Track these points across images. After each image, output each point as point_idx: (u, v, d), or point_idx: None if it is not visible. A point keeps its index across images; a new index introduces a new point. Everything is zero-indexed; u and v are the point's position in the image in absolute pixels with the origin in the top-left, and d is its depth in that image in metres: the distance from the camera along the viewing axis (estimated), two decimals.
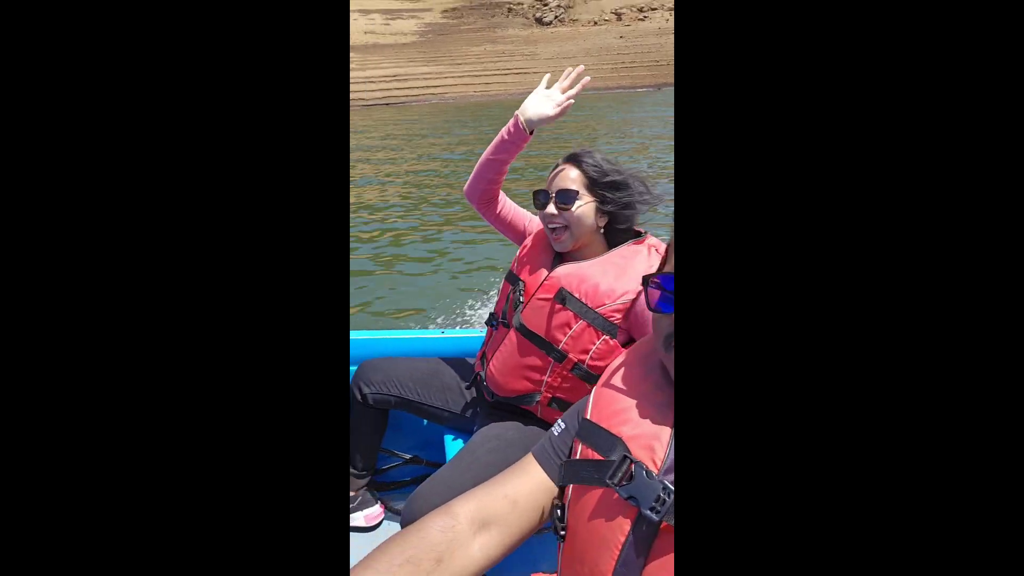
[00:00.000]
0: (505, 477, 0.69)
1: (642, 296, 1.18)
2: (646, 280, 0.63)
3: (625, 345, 1.25)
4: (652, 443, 0.59)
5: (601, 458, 0.61)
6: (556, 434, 0.72)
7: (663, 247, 1.29)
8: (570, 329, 1.24)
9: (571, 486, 0.65)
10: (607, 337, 1.22)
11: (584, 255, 1.31)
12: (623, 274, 1.24)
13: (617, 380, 0.69)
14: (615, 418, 0.64)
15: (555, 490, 0.68)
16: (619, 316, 1.21)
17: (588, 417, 0.68)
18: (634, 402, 0.65)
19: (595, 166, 1.29)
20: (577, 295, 1.23)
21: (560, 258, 1.34)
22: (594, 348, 1.23)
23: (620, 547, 0.57)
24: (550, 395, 1.30)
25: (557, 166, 1.33)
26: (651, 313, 1.02)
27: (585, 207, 1.27)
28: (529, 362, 1.29)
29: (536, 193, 1.31)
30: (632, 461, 0.58)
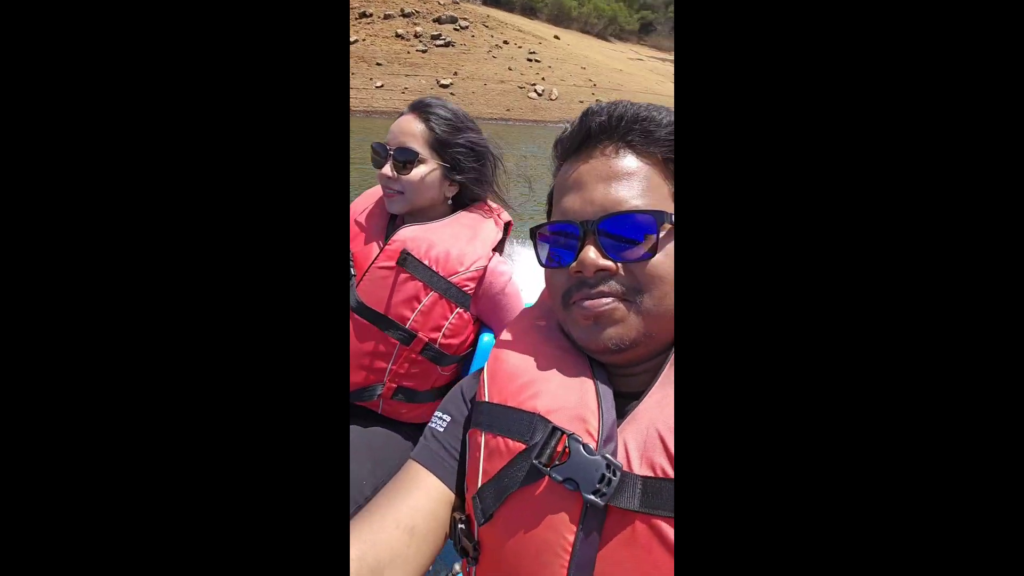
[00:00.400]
0: (391, 499, 0.56)
1: (491, 271, 1.09)
2: (534, 232, 0.58)
3: (476, 320, 1.14)
4: (581, 413, 0.51)
5: (521, 446, 0.51)
6: (441, 429, 0.62)
7: (505, 213, 1.20)
8: (419, 303, 1.06)
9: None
10: (461, 310, 1.08)
11: (426, 216, 1.14)
12: (474, 239, 1.10)
13: (513, 351, 0.60)
14: (524, 393, 0.55)
15: (453, 498, 0.58)
16: (472, 286, 1.08)
17: (487, 399, 0.57)
18: (543, 372, 0.56)
19: (446, 122, 1.10)
20: (426, 261, 1.05)
21: (395, 221, 1.15)
22: (447, 324, 1.08)
23: (570, 550, 0.46)
24: (395, 385, 1.11)
25: (402, 114, 1.14)
26: (505, 285, 0.99)
27: (429, 174, 1.10)
28: (369, 348, 1.08)
29: (374, 146, 1.12)
30: (563, 433, 0.49)
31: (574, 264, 0.53)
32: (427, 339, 1.08)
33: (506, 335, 0.63)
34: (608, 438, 0.49)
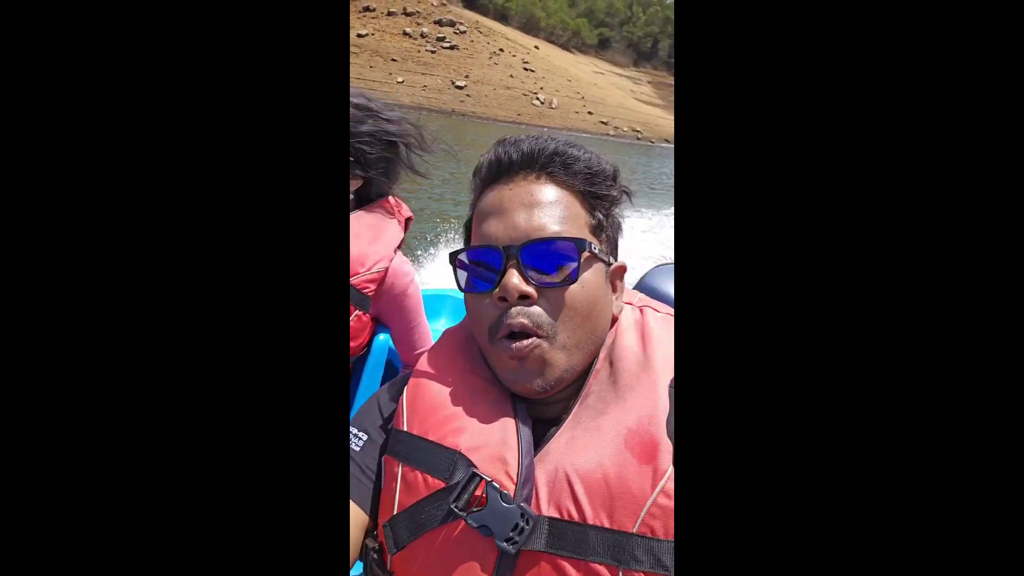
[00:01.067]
0: None
1: (394, 272, 1.04)
2: (453, 257, 0.58)
3: (375, 321, 1.10)
4: (502, 453, 0.51)
5: (440, 483, 0.51)
6: (357, 449, 0.59)
7: (406, 208, 1.13)
8: None
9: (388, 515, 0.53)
10: (359, 312, 1.02)
11: None
12: (376, 240, 1.03)
13: (435, 381, 0.58)
14: (445, 427, 0.54)
15: (367, 522, 0.56)
16: (372, 287, 1.02)
17: (405, 428, 0.56)
18: (466, 406, 0.55)
19: (351, 112, 0.99)
20: None
21: None
22: None
23: None
24: None
25: None
26: (407, 286, 1.02)
27: None
28: None
29: None
30: (482, 479, 0.49)
31: (497, 290, 0.53)
32: None
33: (427, 361, 0.62)
34: (526, 480, 0.49)
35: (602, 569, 0.45)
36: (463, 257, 0.58)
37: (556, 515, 0.47)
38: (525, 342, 0.52)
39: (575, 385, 0.55)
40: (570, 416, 0.53)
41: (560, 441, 0.51)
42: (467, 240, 0.62)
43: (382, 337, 1.13)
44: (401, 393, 0.59)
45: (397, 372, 1.25)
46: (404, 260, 1.08)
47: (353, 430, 0.60)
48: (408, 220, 1.12)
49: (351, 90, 0.98)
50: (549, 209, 0.55)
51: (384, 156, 1.03)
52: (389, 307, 1.06)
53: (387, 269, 1.03)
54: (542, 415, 0.56)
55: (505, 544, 0.46)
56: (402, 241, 1.10)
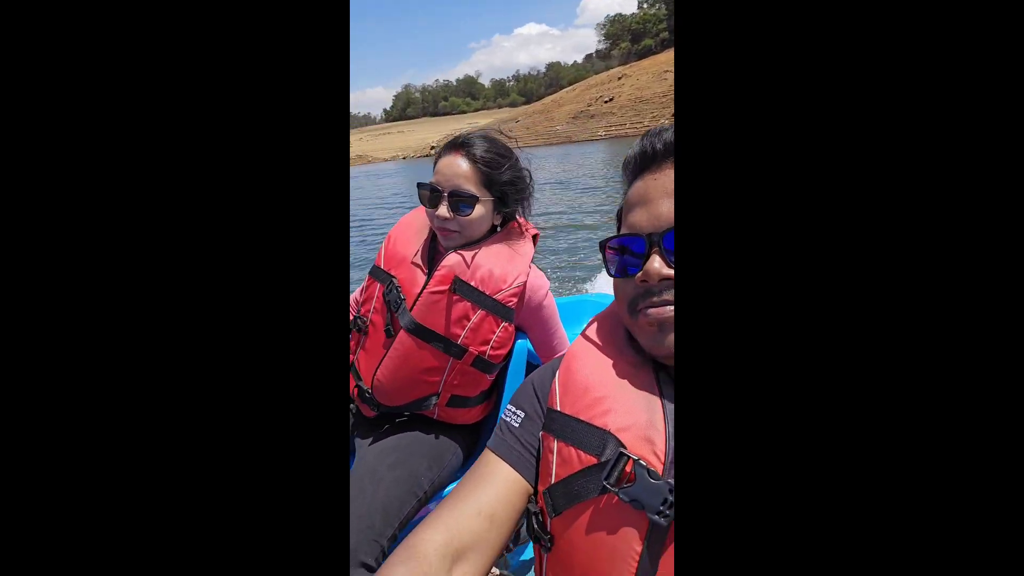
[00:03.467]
0: (472, 489, 0.60)
1: (530, 285, 1.16)
2: (603, 245, 0.61)
3: (519, 328, 1.22)
4: (648, 434, 0.53)
5: (592, 459, 0.55)
6: (516, 424, 0.65)
7: (531, 226, 1.27)
8: (469, 321, 1.13)
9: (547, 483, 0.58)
10: (506, 324, 1.15)
11: (472, 242, 1.19)
12: (512, 259, 1.17)
13: (585, 362, 0.63)
14: (595, 408, 0.57)
15: (528, 488, 0.61)
16: (515, 300, 1.15)
17: (558, 408, 0.60)
18: (614, 387, 0.58)
19: (490, 157, 1.15)
20: (473, 283, 1.13)
21: (436, 246, 1.21)
22: (494, 337, 1.15)
23: (637, 560, 0.50)
24: (449, 394, 1.18)
25: (442, 155, 1.17)
26: (543, 297, 1.15)
27: (483, 213, 1.15)
28: (426, 363, 1.14)
29: (422, 186, 1.16)
30: (630, 458, 0.52)
31: (640, 274, 0.55)
32: (477, 352, 1.15)
33: (579, 344, 0.66)
34: (674, 461, 0.50)
35: None
36: (612, 244, 0.60)
37: None
38: (666, 308, 0.55)
39: None
40: (674, 391, 0.54)
41: None
42: (618, 229, 0.65)
43: (519, 342, 1.25)
44: (554, 375, 0.64)
45: None
46: (539, 274, 1.21)
47: (512, 408, 0.67)
48: (535, 237, 1.28)
49: (474, 136, 1.18)
50: None
51: (518, 198, 1.21)
52: (530, 317, 1.19)
53: (525, 283, 1.16)
54: None
55: (656, 517, 0.49)
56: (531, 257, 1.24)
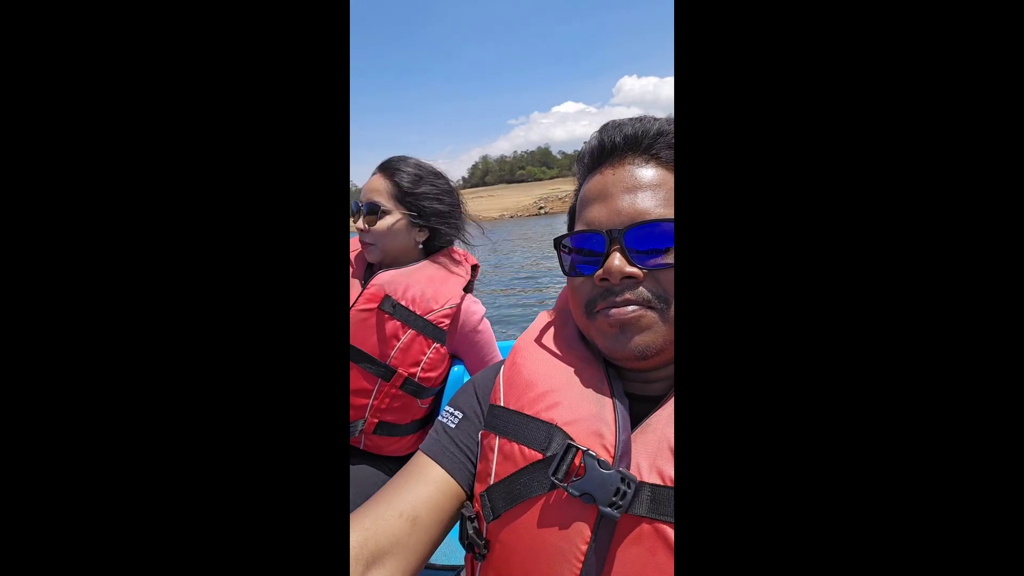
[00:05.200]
0: (396, 489, 0.57)
1: (464, 310, 1.16)
2: (558, 242, 0.58)
3: (453, 354, 1.20)
4: (597, 427, 0.51)
5: (537, 455, 0.52)
6: (453, 425, 0.61)
7: (472, 257, 1.28)
8: (398, 340, 1.11)
9: (482, 488, 0.55)
10: (437, 345, 1.13)
11: (400, 263, 1.21)
12: (447, 280, 1.17)
13: (531, 357, 0.60)
14: (541, 402, 0.55)
15: (462, 493, 0.58)
16: (447, 322, 1.14)
17: (502, 404, 0.58)
18: (561, 381, 0.56)
19: (410, 176, 1.18)
20: (403, 302, 1.12)
21: (371, 268, 1.23)
22: (425, 358, 1.13)
23: (583, 557, 0.48)
24: (376, 420, 1.15)
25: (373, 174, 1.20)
26: (477, 323, 1.14)
27: (396, 223, 1.17)
28: (352, 384, 1.12)
29: (351, 203, 1.20)
30: (579, 449, 0.50)
31: (600, 272, 0.53)
32: (407, 374, 1.12)
33: (525, 340, 0.63)
34: (623, 453, 0.49)
35: None
36: (567, 242, 0.57)
37: (658, 481, 0.47)
38: (628, 308, 0.52)
39: None
40: (672, 392, 0.53)
41: (663, 414, 0.51)
42: (571, 227, 0.63)
43: (457, 369, 1.24)
44: (498, 373, 0.62)
45: None
46: (474, 300, 1.22)
47: (450, 409, 0.63)
48: (474, 267, 1.29)
49: (401, 158, 1.21)
50: (653, 192, 0.53)
51: (439, 212, 1.21)
52: (463, 343, 1.19)
53: (458, 306, 1.16)
54: (644, 392, 0.57)
55: (609, 509, 0.46)
56: (470, 283, 1.25)
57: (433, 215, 1.22)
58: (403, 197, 1.19)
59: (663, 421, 0.51)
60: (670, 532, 0.46)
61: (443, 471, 0.58)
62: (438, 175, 1.25)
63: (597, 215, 0.55)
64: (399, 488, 0.57)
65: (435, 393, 1.24)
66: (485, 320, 1.23)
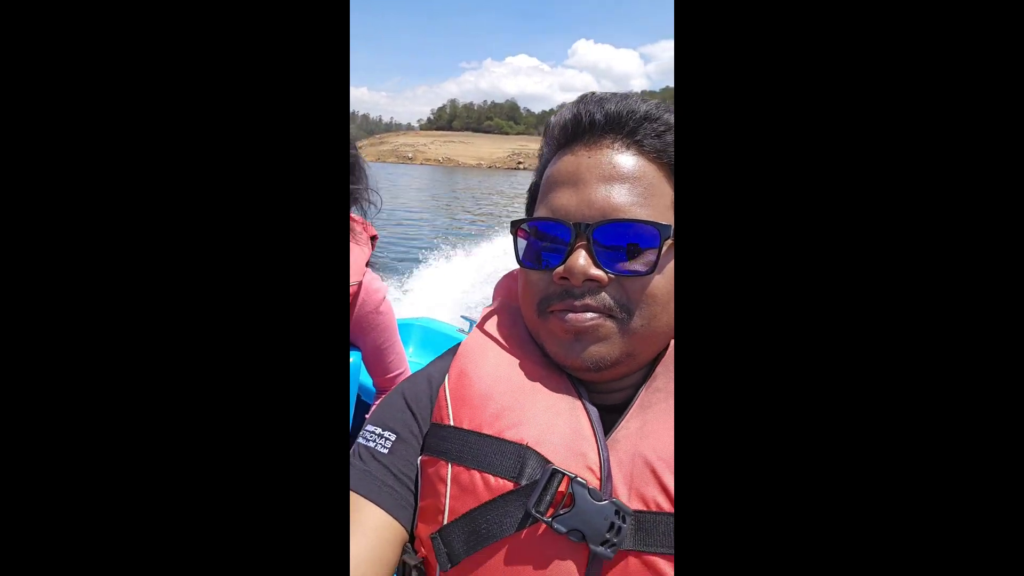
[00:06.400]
0: None
1: (365, 289, 1.03)
2: (515, 226, 0.51)
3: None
4: (578, 446, 0.44)
5: (509, 484, 0.43)
6: (385, 451, 0.49)
7: (371, 227, 1.10)
8: None
9: (427, 530, 0.46)
10: None
11: None
12: None
13: (482, 364, 0.51)
14: (503, 419, 0.46)
15: (404, 535, 0.47)
16: None
17: (450, 422, 0.48)
18: (523, 392, 0.48)
19: None
20: None
21: None
22: None
23: None
24: None
25: None
26: (379, 303, 1.00)
27: None
28: None
29: None
30: (564, 475, 0.42)
31: (560, 269, 0.46)
32: None
33: (470, 346, 0.53)
34: (609, 475, 0.43)
35: None
36: (528, 227, 0.50)
37: (641, 507, 0.42)
38: (586, 315, 0.46)
39: (642, 372, 0.50)
40: (636, 401, 0.47)
41: (631, 427, 0.46)
42: (529, 207, 0.56)
43: (352, 358, 1.06)
44: (441, 383, 0.52)
45: (366, 405, 1.31)
46: (375, 277, 1.07)
47: (376, 429, 0.51)
48: (374, 239, 1.10)
49: None
50: (632, 185, 0.47)
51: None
52: (361, 325, 1.03)
53: (359, 284, 0.99)
54: (603, 402, 0.50)
55: (601, 548, 0.40)
56: (369, 258, 1.07)
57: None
58: None
59: (632, 438, 0.45)
60: (661, 564, 0.41)
61: (381, 512, 0.46)
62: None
63: (565, 202, 0.48)
64: None
65: None
66: (387, 300, 1.10)
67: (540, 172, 0.54)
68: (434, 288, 4.87)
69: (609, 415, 0.48)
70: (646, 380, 0.48)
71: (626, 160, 0.48)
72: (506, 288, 0.61)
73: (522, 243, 0.51)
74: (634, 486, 0.42)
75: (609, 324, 0.47)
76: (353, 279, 0.98)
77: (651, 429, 0.45)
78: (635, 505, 0.42)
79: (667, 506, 0.41)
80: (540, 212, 0.50)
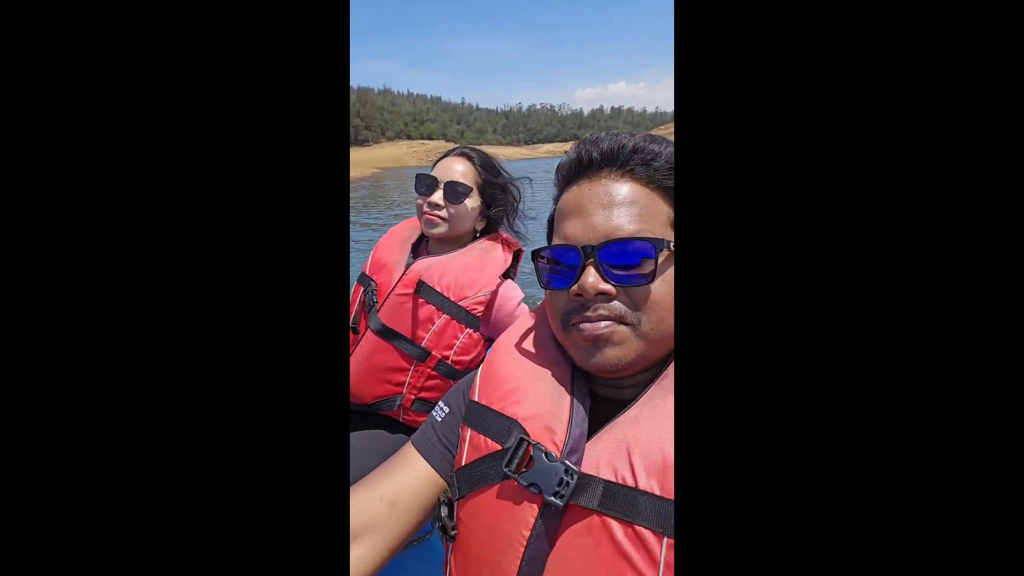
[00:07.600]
0: (380, 474, 0.63)
1: (501, 296, 1.19)
2: (535, 255, 0.59)
3: (488, 339, 1.24)
4: (550, 423, 0.55)
5: (497, 446, 0.57)
6: (439, 419, 0.66)
7: (514, 241, 1.30)
8: (432, 324, 1.17)
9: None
10: (471, 331, 1.18)
11: (454, 244, 1.26)
12: (483, 268, 1.19)
13: (506, 357, 0.64)
14: (507, 398, 0.59)
15: (442, 483, 0.62)
16: (481, 309, 1.17)
17: (476, 399, 0.63)
18: (527, 380, 0.60)
19: (490, 166, 1.26)
20: (438, 288, 1.17)
21: (415, 256, 1.28)
22: (458, 343, 1.18)
23: (525, 543, 0.52)
24: (413, 396, 1.21)
25: (447, 155, 1.27)
26: (514, 308, 1.16)
27: (473, 207, 1.23)
28: (390, 363, 1.20)
29: (420, 176, 1.23)
30: (530, 443, 0.54)
31: (574, 287, 0.54)
32: (440, 356, 1.18)
33: (504, 340, 0.67)
34: (573, 449, 0.53)
35: (647, 534, 0.46)
36: (544, 255, 0.58)
37: (611, 478, 0.50)
38: (601, 324, 0.54)
39: (654, 370, 0.57)
40: (643, 396, 0.54)
41: (628, 417, 0.54)
42: (549, 236, 0.64)
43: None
44: (478, 372, 0.66)
45: None
46: (512, 286, 1.24)
47: (441, 404, 0.68)
48: (518, 252, 1.30)
49: (473, 148, 1.28)
50: (628, 208, 0.55)
51: (504, 204, 1.29)
52: (498, 327, 1.20)
53: (494, 293, 1.19)
54: (617, 396, 0.59)
55: (552, 498, 0.50)
56: (510, 269, 1.27)
57: (500, 206, 1.29)
58: (483, 185, 1.25)
59: (624, 425, 0.53)
60: (617, 527, 0.48)
61: (425, 462, 0.63)
62: (505, 170, 1.34)
63: (573, 230, 0.56)
64: (383, 474, 0.63)
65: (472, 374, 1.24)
66: (523, 306, 1.24)
67: (555, 205, 0.64)
68: None
69: (619, 408, 0.56)
70: (655, 378, 0.56)
71: (621, 188, 0.56)
72: (546, 300, 0.70)
73: (543, 269, 0.59)
74: (612, 462, 0.51)
75: (623, 329, 0.54)
76: (488, 288, 1.19)
77: (644, 419, 0.52)
78: (607, 476, 0.51)
79: (630, 481, 0.49)
80: (554, 241, 0.60)
